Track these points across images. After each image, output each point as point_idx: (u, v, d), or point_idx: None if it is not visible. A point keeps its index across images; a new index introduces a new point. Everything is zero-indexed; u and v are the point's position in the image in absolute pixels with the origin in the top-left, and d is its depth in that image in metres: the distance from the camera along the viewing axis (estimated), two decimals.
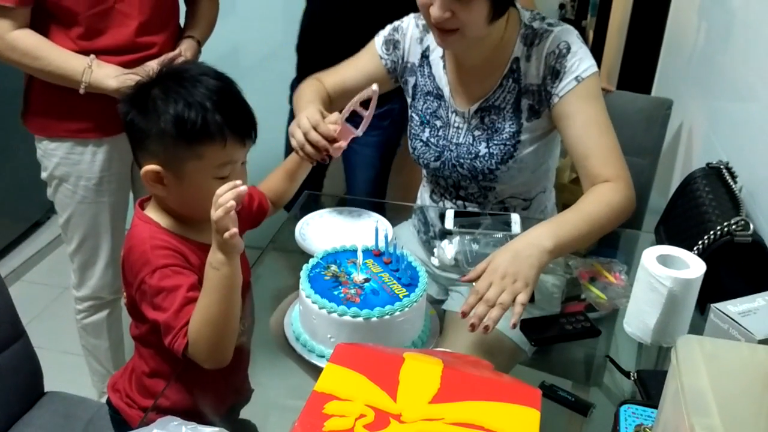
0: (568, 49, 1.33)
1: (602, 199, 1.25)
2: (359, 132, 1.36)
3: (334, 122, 1.34)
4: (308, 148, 1.32)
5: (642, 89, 2.57)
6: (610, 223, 1.26)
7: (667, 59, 2.56)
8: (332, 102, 1.54)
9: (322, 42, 2.02)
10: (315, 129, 1.32)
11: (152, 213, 1.15)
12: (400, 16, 2.03)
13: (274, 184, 1.40)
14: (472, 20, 1.25)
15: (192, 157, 1.07)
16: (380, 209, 1.58)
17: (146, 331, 1.14)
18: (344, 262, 1.20)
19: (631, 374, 1.08)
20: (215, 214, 0.98)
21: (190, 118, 1.05)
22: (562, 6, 5.53)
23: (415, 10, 1.35)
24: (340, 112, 1.37)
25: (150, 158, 1.09)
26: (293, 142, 1.35)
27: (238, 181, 1.01)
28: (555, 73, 1.34)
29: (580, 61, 1.32)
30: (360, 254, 1.20)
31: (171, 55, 1.66)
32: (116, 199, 1.78)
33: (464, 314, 1.11)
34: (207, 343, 1.02)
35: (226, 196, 0.99)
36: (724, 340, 0.91)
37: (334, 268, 1.17)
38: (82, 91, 1.57)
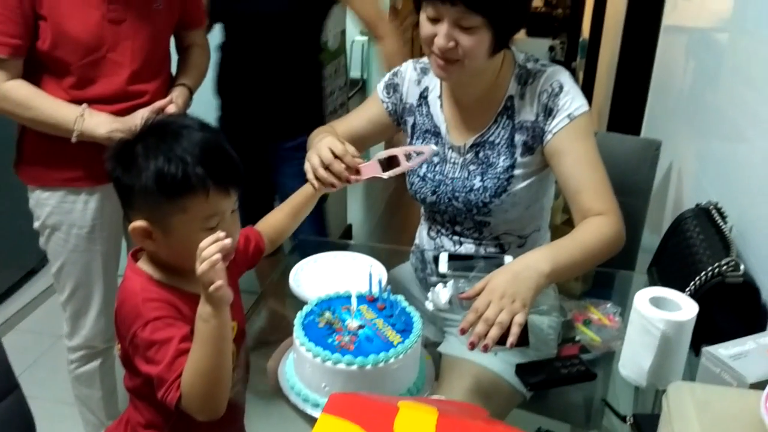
0: (561, 88, 1.36)
1: (595, 230, 1.28)
2: (384, 175, 1.36)
3: (353, 154, 1.34)
4: (321, 173, 1.32)
5: (631, 130, 2.61)
6: (602, 254, 1.28)
7: (655, 100, 2.60)
8: None
9: (241, 80, 2.08)
10: (341, 159, 1.32)
11: (144, 265, 1.15)
12: (310, 49, 2.09)
13: (276, 221, 1.40)
14: (475, 51, 1.29)
15: (176, 211, 1.07)
16: (375, 252, 1.59)
17: (141, 383, 1.13)
18: (338, 308, 1.20)
19: (628, 418, 1.08)
20: (200, 268, 0.98)
21: (170, 173, 1.05)
22: (551, 48, 5.65)
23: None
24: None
25: (137, 214, 1.09)
26: (306, 166, 1.36)
27: (222, 233, 1.01)
28: (548, 111, 1.37)
29: (572, 100, 1.36)
30: (354, 300, 1.21)
31: (162, 102, 1.68)
32: (108, 248, 1.78)
33: (463, 331, 1.13)
34: (200, 396, 1.01)
35: (209, 250, 0.98)
36: (715, 386, 0.91)
37: (328, 314, 1.17)
38: (74, 139, 1.58)
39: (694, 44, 2.13)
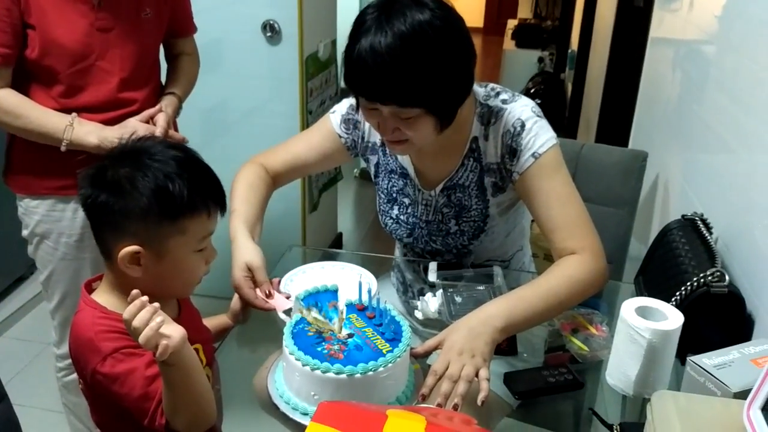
0: (523, 126, 1.33)
1: (564, 273, 1.26)
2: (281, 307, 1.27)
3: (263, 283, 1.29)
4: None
5: (619, 142, 2.64)
6: (572, 298, 1.26)
7: (643, 112, 2.62)
8: (277, 182, 1.52)
9: None
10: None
11: (102, 294, 1.13)
12: None
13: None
14: (420, 135, 1.27)
15: (175, 233, 1.06)
16: (365, 261, 1.59)
17: (107, 417, 1.12)
18: (325, 305, 1.20)
19: (614, 427, 1.09)
20: (142, 338, 0.92)
21: (174, 193, 1.03)
22: (540, 59, 5.68)
23: None
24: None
25: (126, 239, 1.05)
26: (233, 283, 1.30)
27: (145, 298, 0.94)
28: (512, 152, 1.34)
29: (536, 137, 1.32)
30: (343, 309, 1.21)
31: (151, 111, 1.68)
32: (97, 255, 1.74)
33: (423, 397, 1.10)
34: (186, 422, 1.01)
35: (142, 316, 0.92)
36: (698, 395, 0.92)
37: (314, 313, 1.17)
38: (63, 148, 1.58)
39: (681, 57, 2.16)
